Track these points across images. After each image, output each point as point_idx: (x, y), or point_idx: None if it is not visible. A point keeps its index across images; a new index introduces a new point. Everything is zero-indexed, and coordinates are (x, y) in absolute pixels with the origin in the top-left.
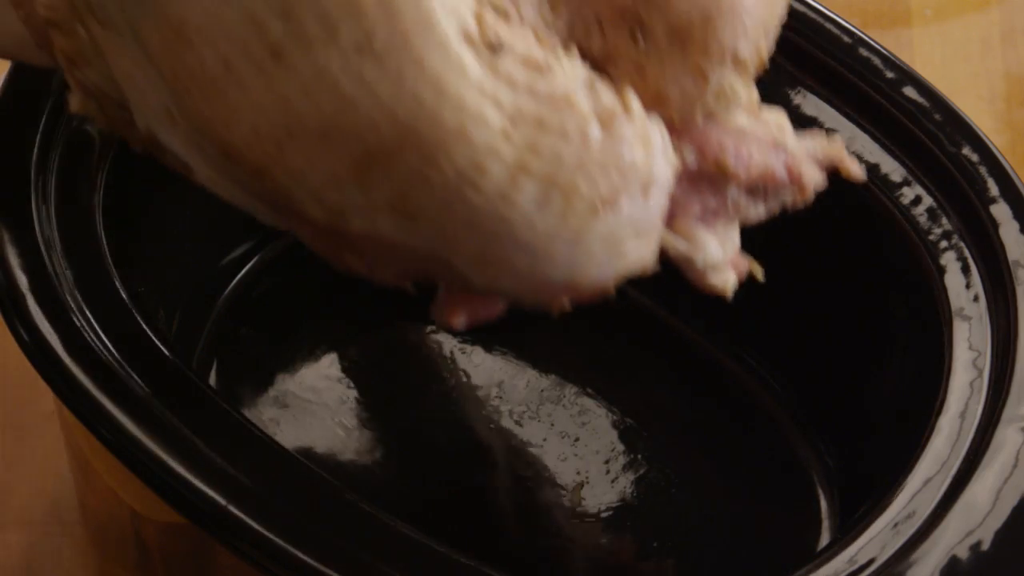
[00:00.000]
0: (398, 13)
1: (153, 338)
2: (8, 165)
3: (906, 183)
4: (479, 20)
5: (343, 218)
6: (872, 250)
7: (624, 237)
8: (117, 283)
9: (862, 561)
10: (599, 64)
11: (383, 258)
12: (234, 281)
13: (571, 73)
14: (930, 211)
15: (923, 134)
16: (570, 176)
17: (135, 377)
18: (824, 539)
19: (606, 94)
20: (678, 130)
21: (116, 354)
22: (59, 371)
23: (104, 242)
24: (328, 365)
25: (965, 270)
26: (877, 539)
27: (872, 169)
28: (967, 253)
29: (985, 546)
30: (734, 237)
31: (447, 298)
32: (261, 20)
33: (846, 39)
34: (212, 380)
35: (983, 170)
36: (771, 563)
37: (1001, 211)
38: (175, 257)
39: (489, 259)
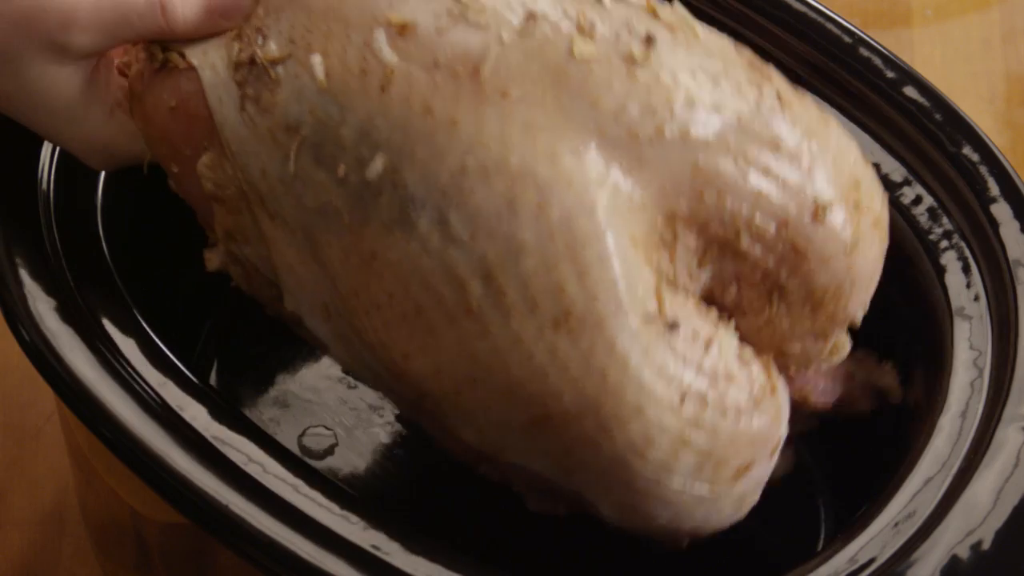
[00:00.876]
0: (596, 296)
1: (153, 338)
2: (10, 168)
3: (906, 183)
4: (659, 297)
5: (498, 452)
6: None
7: (749, 495)
8: (117, 283)
9: (862, 561)
10: (729, 312)
11: (520, 479)
12: (235, 281)
13: (728, 345)
14: (930, 211)
15: (923, 134)
16: (723, 449)
17: (135, 377)
18: (824, 539)
19: (757, 371)
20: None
21: (116, 354)
22: (59, 371)
23: (104, 243)
24: (328, 365)
25: (965, 270)
26: (877, 539)
27: (872, 169)
28: (967, 253)
29: (986, 545)
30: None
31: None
32: (461, 278)
33: (846, 39)
34: (212, 380)
35: (983, 170)
36: (771, 563)
37: (1001, 211)
38: (175, 257)
39: (633, 511)
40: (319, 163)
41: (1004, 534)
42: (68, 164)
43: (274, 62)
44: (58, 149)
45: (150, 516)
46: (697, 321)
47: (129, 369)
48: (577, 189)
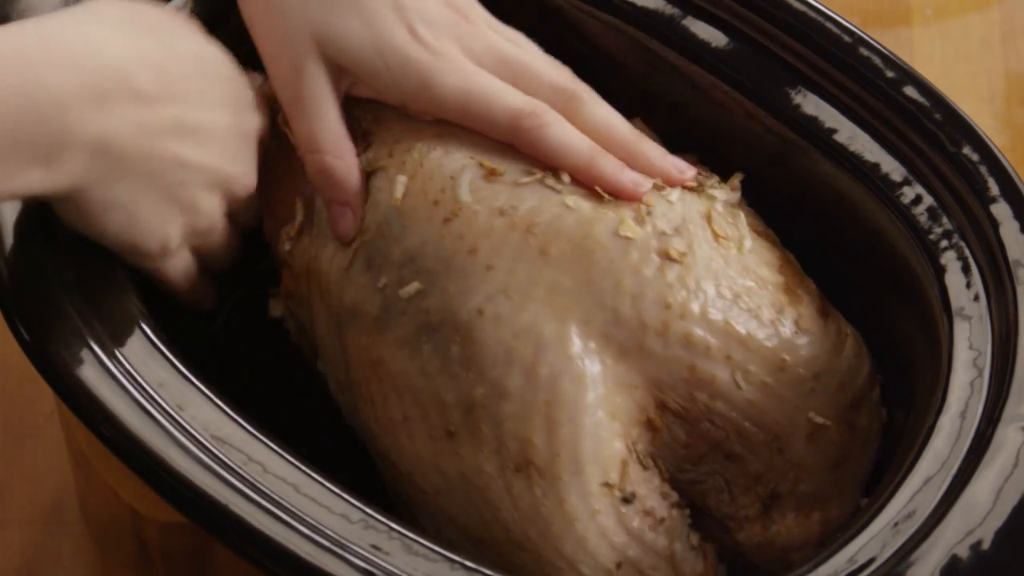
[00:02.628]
0: (558, 453)
1: (153, 338)
2: None
3: (906, 183)
4: (623, 470)
5: (448, 544)
6: (872, 250)
7: None
8: (118, 283)
9: (862, 561)
10: (718, 516)
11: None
12: (234, 280)
13: (678, 528)
14: (930, 211)
15: (923, 134)
16: None
17: (135, 377)
18: None
19: (697, 558)
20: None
21: (116, 354)
22: (59, 370)
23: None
24: None
25: (965, 270)
26: (877, 539)
27: (872, 169)
28: (967, 253)
29: (985, 545)
30: None
31: None
32: (447, 404)
33: (846, 39)
34: (212, 380)
35: (983, 170)
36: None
37: (1001, 211)
38: None
39: None
40: (368, 268)
41: (1004, 534)
42: None
43: (369, 172)
44: None
45: (150, 516)
46: (656, 501)
47: (129, 369)
48: (571, 355)
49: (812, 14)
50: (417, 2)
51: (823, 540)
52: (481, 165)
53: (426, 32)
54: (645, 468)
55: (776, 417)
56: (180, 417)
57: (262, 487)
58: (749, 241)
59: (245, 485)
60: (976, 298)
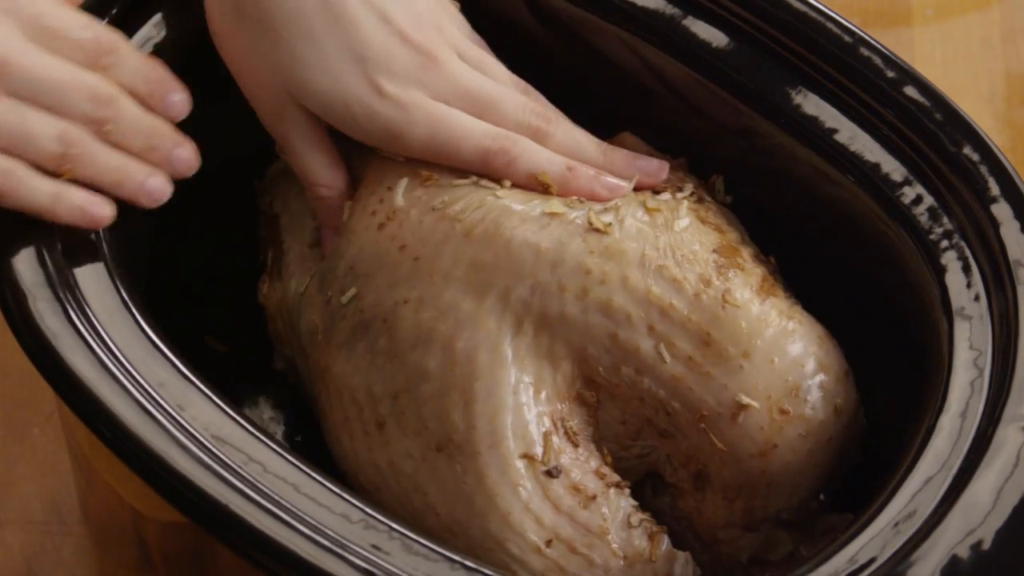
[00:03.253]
0: (475, 426)
1: (153, 338)
2: None
3: (906, 183)
4: (546, 443)
5: None
6: (872, 250)
7: None
8: (117, 283)
9: (862, 561)
10: (667, 500)
11: None
12: (235, 281)
13: (614, 507)
14: (930, 211)
15: (923, 134)
16: None
17: (135, 377)
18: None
19: (639, 536)
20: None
21: (116, 354)
22: (59, 370)
23: (104, 242)
24: None
25: (965, 270)
26: (877, 539)
27: (872, 169)
28: (967, 253)
29: (986, 545)
30: None
31: None
32: (376, 396)
33: (846, 39)
34: (213, 380)
35: (983, 170)
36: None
37: (1001, 211)
38: (175, 257)
39: None
40: (320, 289)
41: (1004, 534)
42: None
43: None
44: None
45: (150, 516)
46: (588, 478)
47: (129, 369)
48: (488, 328)
49: (812, 14)
50: (380, 51)
51: (749, 525)
52: (417, 173)
53: (390, 85)
54: (576, 445)
55: (702, 395)
56: (180, 417)
57: (262, 487)
58: (685, 221)
59: (245, 485)
60: (976, 298)
